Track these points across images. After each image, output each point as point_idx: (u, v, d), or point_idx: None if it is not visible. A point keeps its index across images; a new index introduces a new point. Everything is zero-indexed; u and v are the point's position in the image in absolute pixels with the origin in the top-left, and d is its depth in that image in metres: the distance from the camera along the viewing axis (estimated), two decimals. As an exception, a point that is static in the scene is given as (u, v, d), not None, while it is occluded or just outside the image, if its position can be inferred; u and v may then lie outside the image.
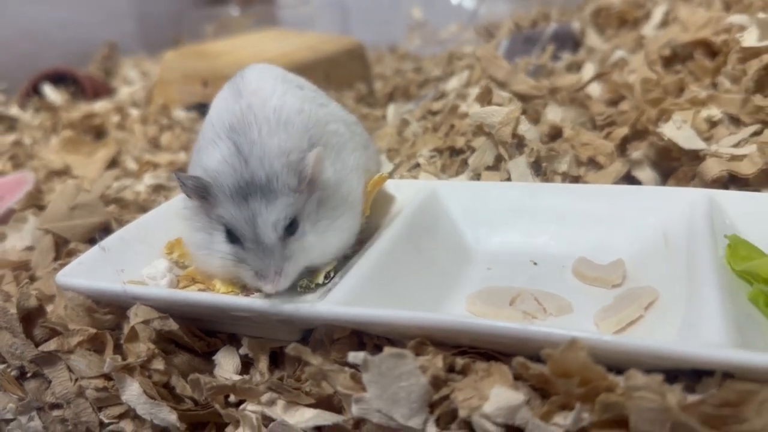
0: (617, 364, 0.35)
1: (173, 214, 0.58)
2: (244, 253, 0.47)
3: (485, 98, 0.62)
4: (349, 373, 0.39)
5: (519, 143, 0.61)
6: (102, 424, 0.48)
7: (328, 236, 0.50)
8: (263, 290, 0.47)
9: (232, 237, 0.47)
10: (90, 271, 0.50)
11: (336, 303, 0.42)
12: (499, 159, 0.62)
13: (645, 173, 0.63)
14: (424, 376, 0.37)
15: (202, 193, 0.47)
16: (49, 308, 0.53)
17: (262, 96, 0.50)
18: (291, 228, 0.47)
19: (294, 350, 0.40)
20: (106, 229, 0.66)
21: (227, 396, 0.45)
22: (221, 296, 0.45)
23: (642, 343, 0.34)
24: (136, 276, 0.53)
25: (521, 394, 0.35)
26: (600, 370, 0.34)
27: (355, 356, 0.37)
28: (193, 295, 0.46)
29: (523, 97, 0.72)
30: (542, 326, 0.36)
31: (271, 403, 0.42)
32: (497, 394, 0.35)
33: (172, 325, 0.46)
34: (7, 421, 0.55)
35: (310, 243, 0.48)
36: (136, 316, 0.45)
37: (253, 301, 0.42)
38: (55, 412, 0.51)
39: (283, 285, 0.46)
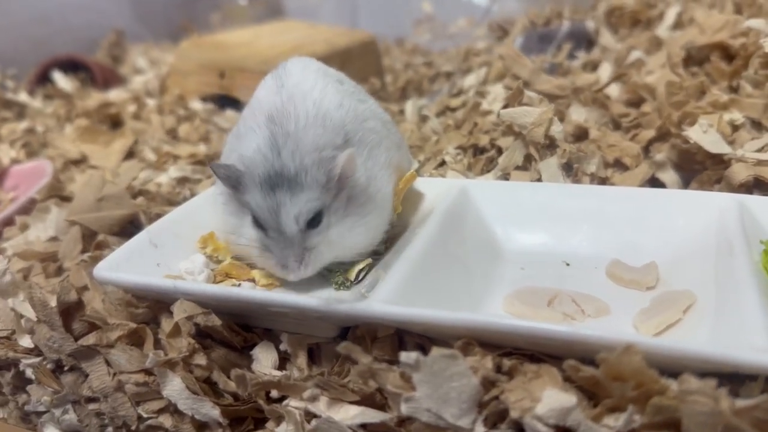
0: (661, 366, 0.35)
1: (205, 208, 0.58)
2: (267, 241, 0.49)
3: (516, 98, 0.63)
4: (398, 372, 0.40)
5: (550, 144, 0.61)
6: (140, 419, 0.48)
7: (354, 232, 0.51)
8: (286, 278, 0.49)
9: (258, 224, 0.49)
10: (129, 265, 0.50)
11: (383, 302, 0.43)
12: (528, 159, 0.63)
13: (668, 175, 0.64)
14: (474, 376, 0.38)
15: (233, 181, 0.49)
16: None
17: (303, 88, 0.52)
18: (314, 221, 0.48)
19: (345, 348, 0.41)
20: (132, 222, 0.66)
21: (268, 391, 0.46)
22: (276, 294, 0.45)
23: (699, 349, 0.35)
24: (172, 270, 0.53)
25: (573, 396, 0.36)
26: (653, 374, 0.34)
27: (407, 356, 0.37)
28: (246, 292, 0.46)
29: (546, 97, 0.72)
30: (596, 330, 0.37)
31: (314, 399, 0.43)
32: (549, 396, 0.36)
33: (215, 320, 0.46)
34: (39, 414, 0.55)
35: (334, 236, 0.49)
36: (183, 312, 0.45)
37: (309, 300, 0.42)
38: (91, 406, 0.51)
39: (303, 274, 0.48)
